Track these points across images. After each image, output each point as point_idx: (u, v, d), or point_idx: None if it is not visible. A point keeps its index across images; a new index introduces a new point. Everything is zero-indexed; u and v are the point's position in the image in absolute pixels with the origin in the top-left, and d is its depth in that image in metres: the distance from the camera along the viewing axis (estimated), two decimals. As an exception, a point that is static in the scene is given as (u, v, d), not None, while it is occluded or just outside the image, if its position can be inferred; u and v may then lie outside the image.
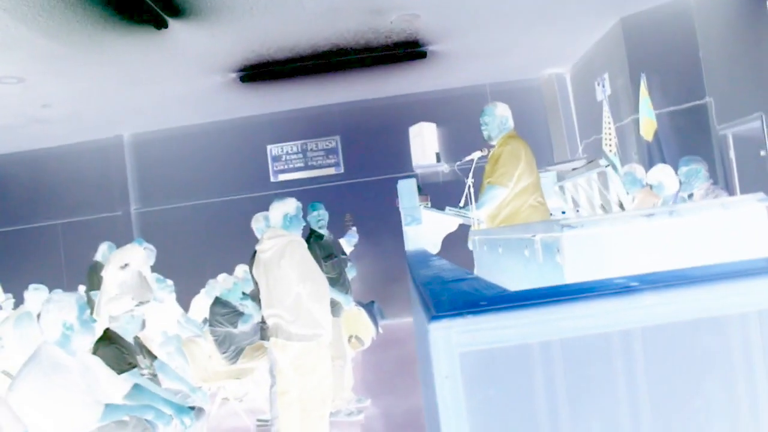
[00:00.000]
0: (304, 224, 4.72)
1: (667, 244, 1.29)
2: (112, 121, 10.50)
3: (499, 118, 4.73)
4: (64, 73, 7.71)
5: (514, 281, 1.77)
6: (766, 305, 0.93)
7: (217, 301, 6.32)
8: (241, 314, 6.25)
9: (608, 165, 2.19)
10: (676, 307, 0.92)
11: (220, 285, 7.01)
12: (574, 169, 3.32)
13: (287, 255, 4.29)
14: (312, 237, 5.53)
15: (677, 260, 1.27)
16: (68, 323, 3.51)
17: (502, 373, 0.89)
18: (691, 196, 5.46)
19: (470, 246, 5.25)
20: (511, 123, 4.74)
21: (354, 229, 8.70)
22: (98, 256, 8.16)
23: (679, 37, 7.75)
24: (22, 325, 5.08)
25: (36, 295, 6.45)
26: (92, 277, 7.91)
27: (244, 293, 6.72)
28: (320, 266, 5.21)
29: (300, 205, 4.60)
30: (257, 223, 5.34)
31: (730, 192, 7.45)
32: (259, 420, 5.70)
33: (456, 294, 1.08)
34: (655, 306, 0.92)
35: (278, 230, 4.45)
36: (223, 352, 6.10)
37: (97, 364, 3.76)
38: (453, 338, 0.86)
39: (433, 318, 0.88)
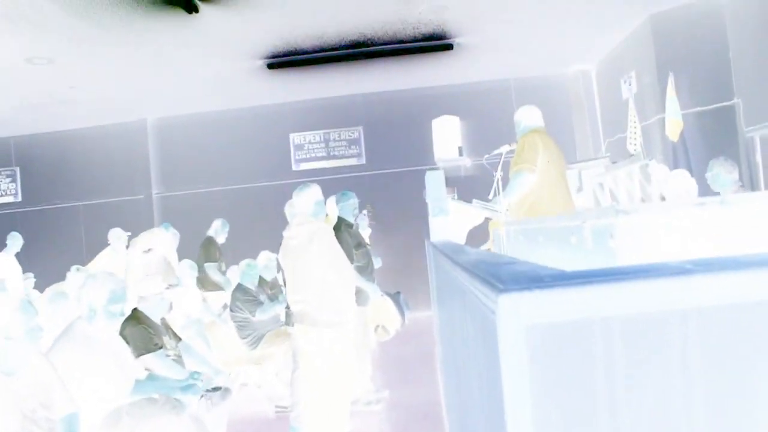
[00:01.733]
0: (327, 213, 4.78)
1: (718, 233, 1.31)
2: (136, 105, 10.62)
3: (517, 121, 5.01)
4: (94, 54, 7.79)
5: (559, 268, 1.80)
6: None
7: (239, 287, 6.38)
8: (261, 303, 6.28)
9: (652, 159, 2.21)
10: (730, 290, 0.95)
11: (240, 270, 7.07)
12: (614, 163, 3.37)
13: (316, 241, 4.31)
14: (342, 225, 5.54)
15: (727, 248, 1.28)
16: (93, 306, 3.56)
17: (564, 345, 0.92)
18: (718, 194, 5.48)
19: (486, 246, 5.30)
20: (530, 122, 4.93)
21: (365, 213, 8.72)
22: (211, 232, 8.52)
23: (708, 36, 7.68)
24: (56, 303, 5.16)
25: (77, 276, 6.55)
26: (207, 250, 8.35)
27: (263, 279, 6.79)
28: (351, 255, 5.25)
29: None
30: (291, 208, 5.32)
31: (755, 195, 7.39)
32: (278, 406, 5.75)
33: (516, 272, 1.11)
34: (710, 288, 0.94)
35: (307, 217, 4.49)
36: (244, 338, 6.16)
37: (122, 346, 3.80)
38: (521, 311, 0.89)
39: (502, 291, 0.90)
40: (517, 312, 0.90)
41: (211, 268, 8.05)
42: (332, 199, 7.71)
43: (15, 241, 9.08)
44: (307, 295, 4.36)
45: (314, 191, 4.55)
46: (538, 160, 4.59)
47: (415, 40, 8.42)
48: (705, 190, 5.59)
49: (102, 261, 8.45)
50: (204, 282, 7.85)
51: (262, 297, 6.38)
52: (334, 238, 4.46)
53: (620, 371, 0.93)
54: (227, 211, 10.97)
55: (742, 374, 0.95)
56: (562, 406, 0.93)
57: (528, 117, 4.91)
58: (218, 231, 8.48)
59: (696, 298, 0.93)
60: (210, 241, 8.38)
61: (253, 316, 6.10)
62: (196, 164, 11.45)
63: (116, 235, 8.64)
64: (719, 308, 0.93)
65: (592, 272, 1.00)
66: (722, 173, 5.33)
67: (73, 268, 7.35)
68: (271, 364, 5.98)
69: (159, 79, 9.16)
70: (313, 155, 11.27)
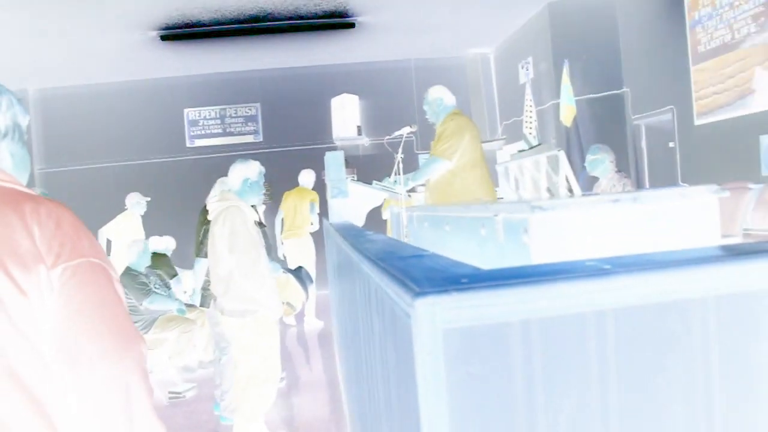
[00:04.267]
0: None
1: (630, 228, 1.31)
2: (16, 74, 9.88)
3: (434, 101, 4.83)
4: (-34, 18, 7.18)
5: (467, 260, 1.78)
6: (721, 291, 0.96)
7: (127, 271, 6.05)
8: (150, 292, 5.96)
9: (560, 149, 2.20)
10: (645, 290, 0.94)
11: (133, 252, 6.75)
12: (521, 151, 3.40)
13: (219, 223, 3.93)
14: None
15: (638, 244, 1.29)
16: None
17: (482, 350, 0.88)
18: (596, 179, 5.75)
19: (385, 215, 5.22)
20: (448, 101, 4.82)
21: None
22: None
23: (602, 27, 8.00)
24: None
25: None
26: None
27: (158, 261, 6.53)
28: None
29: (263, 170, 4.19)
30: (222, 185, 4.75)
31: (639, 180, 7.79)
32: (171, 392, 5.55)
33: (430, 271, 1.06)
34: (627, 288, 0.93)
35: (227, 194, 4.07)
36: (134, 322, 5.88)
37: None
38: (438, 315, 0.84)
39: (418, 295, 0.85)
40: (433, 317, 0.84)
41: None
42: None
43: None
44: (214, 278, 4.09)
45: (248, 168, 4.08)
46: (461, 146, 4.51)
47: (317, 16, 8.25)
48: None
49: (119, 225, 7.92)
50: None
51: (153, 278, 6.10)
52: (243, 221, 3.95)
53: (539, 374, 0.90)
54: (117, 188, 10.45)
55: (654, 373, 0.95)
56: (481, 412, 0.90)
57: (448, 96, 4.81)
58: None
59: (613, 298, 0.91)
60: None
61: (140, 305, 5.81)
62: (83, 139, 10.82)
63: (135, 200, 8.12)
64: (635, 308, 0.92)
65: (509, 271, 0.96)
66: (606, 159, 5.56)
67: None
68: (164, 349, 5.75)
69: (42, 46, 8.55)
70: (208, 131, 10.90)
